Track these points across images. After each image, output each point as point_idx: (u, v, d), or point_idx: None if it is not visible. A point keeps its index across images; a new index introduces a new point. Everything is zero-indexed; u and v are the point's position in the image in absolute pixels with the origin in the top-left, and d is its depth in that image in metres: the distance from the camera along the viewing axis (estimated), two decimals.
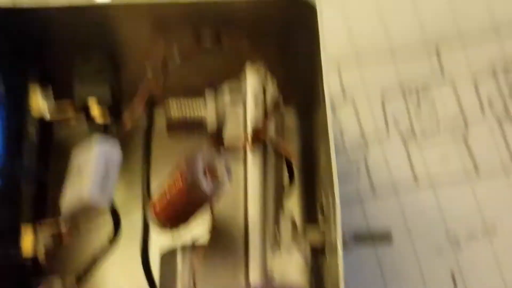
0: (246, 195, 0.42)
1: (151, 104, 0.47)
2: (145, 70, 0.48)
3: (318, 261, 0.44)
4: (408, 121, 0.56)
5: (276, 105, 0.43)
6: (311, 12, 0.44)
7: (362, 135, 0.56)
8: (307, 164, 0.50)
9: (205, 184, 0.38)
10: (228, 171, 0.38)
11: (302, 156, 0.49)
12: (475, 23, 0.58)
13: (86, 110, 0.47)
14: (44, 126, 0.46)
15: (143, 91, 0.47)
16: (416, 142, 0.55)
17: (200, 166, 0.38)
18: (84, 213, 0.41)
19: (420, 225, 0.52)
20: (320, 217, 0.45)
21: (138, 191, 0.45)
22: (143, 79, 0.48)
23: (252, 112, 0.44)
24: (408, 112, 0.56)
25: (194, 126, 0.48)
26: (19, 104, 0.45)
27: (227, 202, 0.41)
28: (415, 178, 0.54)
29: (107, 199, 0.41)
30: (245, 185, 0.42)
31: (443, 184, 0.54)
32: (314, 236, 0.43)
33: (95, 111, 0.47)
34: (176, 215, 0.40)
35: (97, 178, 0.41)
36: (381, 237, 0.45)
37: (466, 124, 0.56)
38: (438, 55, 0.58)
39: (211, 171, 0.38)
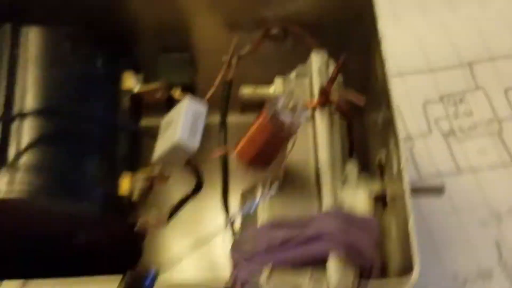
0: (316, 144, 0.48)
1: (227, 88, 0.54)
2: (218, 60, 0.55)
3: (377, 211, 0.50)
4: (447, 121, 0.63)
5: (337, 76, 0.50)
6: (369, 8, 0.52)
7: (407, 132, 0.62)
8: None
9: (285, 116, 0.44)
10: (304, 110, 0.45)
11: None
12: (502, 40, 0.66)
13: (168, 92, 0.54)
14: (135, 99, 0.53)
15: (220, 76, 0.53)
16: (456, 138, 0.62)
17: (282, 101, 0.44)
18: (174, 156, 0.47)
19: (464, 203, 0.58)
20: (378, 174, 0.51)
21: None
22: (218, 67, 0.55)
23: (317, 78, 0.51)
24: (447, 114, 0.63)
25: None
26: (116, 80, 0.52)
27: (299, 148, 0.47)
28: (457, 166, 0.60)
29: (195, 145, 0.47)
30: (315, 136, 0.49)
31: (482, 170, 0.60)
32: (375, 185, 0.49)
33: (177, 94, 0.54)
34: (257, 152, 0.46)
35: (186, 125, 0.47)
36: (435, 189, 0.51)
37: (499, 122, 0.62)
38: (470, 68, 0.65)
39: (291, 106, 0.44)
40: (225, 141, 0.51)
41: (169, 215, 0.48)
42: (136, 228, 0.47)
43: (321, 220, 0.44)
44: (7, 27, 0.50)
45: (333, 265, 0.43)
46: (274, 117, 0.44)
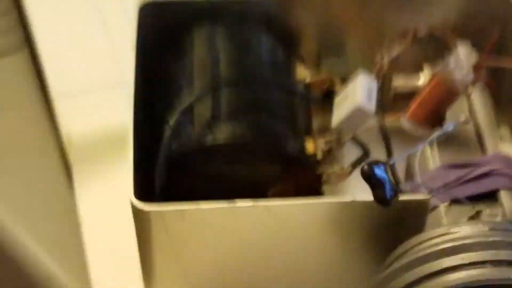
0: (473, 109, 0.57)
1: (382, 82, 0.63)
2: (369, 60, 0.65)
3: None
4: None
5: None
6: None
7: None
8: None
9: (457, 74, 0.53)
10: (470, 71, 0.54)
11: None
12: None
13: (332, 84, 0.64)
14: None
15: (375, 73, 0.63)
16: None
17: (452, 62, 0.53)
18: (353, 121, 0.56)
19: None
20: None
21: None
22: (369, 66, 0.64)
23: (466, 62, 0.60)
24: None
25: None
26: (292, 69, 0.62)
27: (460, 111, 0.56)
28: None
29: (372, 110, 0.56)
30: (471, 104, 0.57)
31: None
32: None
33: (337, 86, 0.63)
34: (429, 112, 0.54)
35: (364, 92, 0.56)
36: None
37: None
38: None
39: (460, 66, 0.53)
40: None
41: (349, 171, 0.57)
42: (323, 179, 0.56)
43: (489, 161, 0.52)
44: (207, 26, 0.61)
45: (506, 195, 0.51)
46: (448, 75, 0.53)
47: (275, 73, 0.60)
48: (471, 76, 0.54)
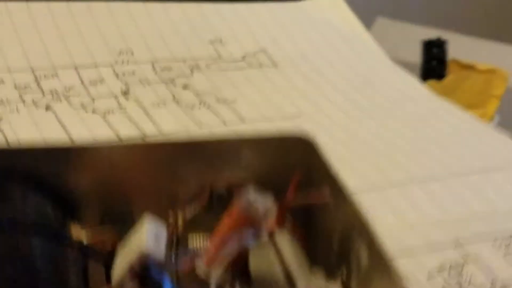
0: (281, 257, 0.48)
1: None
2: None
3: None
4: None
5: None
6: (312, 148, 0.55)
7: None
8: None
9: (257, 203, 0.45)
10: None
11: None
12: None
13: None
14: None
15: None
16: None
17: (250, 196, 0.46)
18: (141, 267, 0.45)
19: None
20: None
21: None
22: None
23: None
24: None
25: None
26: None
27: (265, 261, 0.48)
28: None
29: (162, 258, 0.46)
30: (278, 252, 0.49)
31: None
32: None
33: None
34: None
35: (151, 236, 0.46)
36: None
37: None
38: None
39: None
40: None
41: None
42: None
43: None
44: None
45: None
46: (248, 205, 0.45)
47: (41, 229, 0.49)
48: (270, 207, 0.47)
